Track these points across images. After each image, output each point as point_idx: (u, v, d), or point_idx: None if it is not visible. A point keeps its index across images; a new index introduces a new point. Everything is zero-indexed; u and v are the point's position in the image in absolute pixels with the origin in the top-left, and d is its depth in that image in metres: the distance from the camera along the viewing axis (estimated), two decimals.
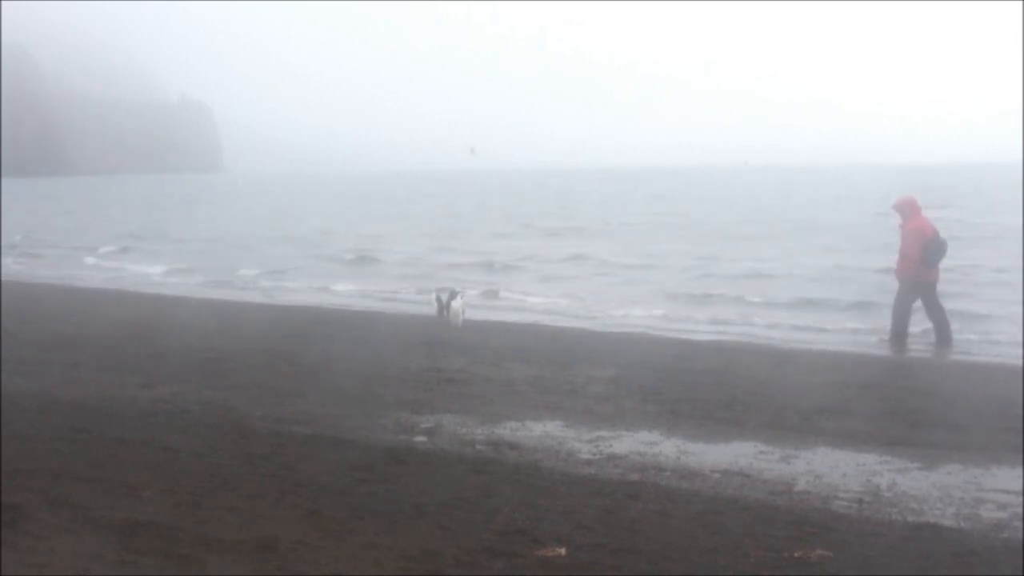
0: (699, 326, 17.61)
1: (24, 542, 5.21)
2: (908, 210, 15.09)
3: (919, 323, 15.35)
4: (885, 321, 15.76)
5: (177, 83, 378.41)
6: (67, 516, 5.74)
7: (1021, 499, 6.99)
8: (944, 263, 15.32)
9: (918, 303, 15.07)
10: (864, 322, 17.32)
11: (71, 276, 27.67)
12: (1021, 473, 7.66)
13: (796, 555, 5.61)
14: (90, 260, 33.68)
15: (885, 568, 5.53)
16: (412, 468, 7.35)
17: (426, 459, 7.70)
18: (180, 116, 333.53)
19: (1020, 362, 12.82)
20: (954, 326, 15.51)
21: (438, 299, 16.46)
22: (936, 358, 14.14)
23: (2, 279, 23.20)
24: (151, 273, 29.22)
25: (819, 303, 20.03)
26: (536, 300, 21.65)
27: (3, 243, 36.29)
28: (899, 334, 15.02)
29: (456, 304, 15.83)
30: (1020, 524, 6.47)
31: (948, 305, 17.64)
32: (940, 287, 15.33)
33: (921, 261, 14.73)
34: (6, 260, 31.44)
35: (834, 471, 7.72)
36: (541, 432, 8.90)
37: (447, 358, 12.73)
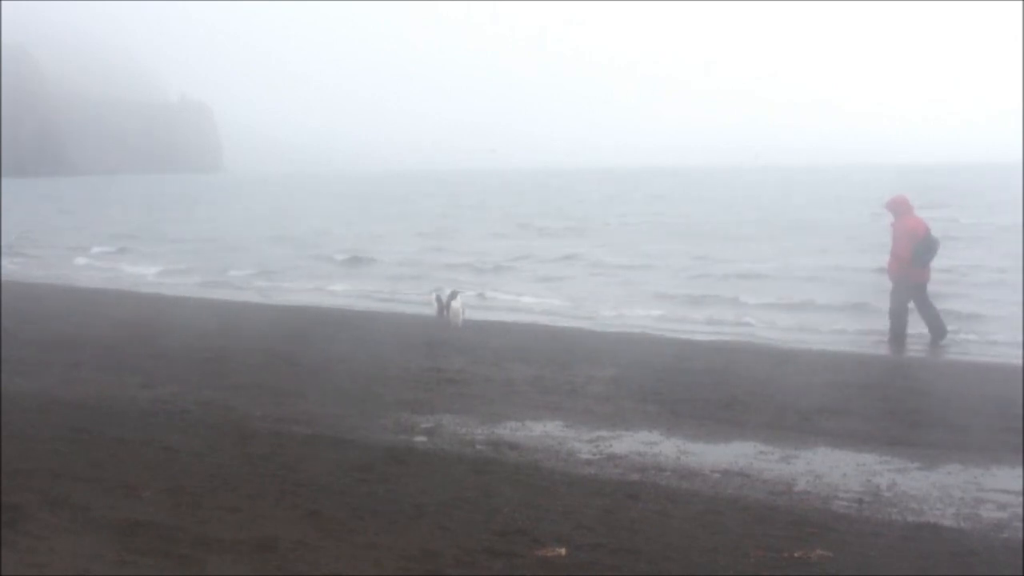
0: (693, 326, 17.59)
1: (24, 542, 5.21)
2: (900, 209, 15.09)
3: (917, 324, 15.36)
4: (882, 322, 15.75)
5: (177, 83, 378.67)
6: (67, 516, 5.74)
7: (1021, 499, 6.99)
8: (944, 263, 15.33)
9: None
10: (861, 323, 17.29)
11: (61, 276, 27.50)
12: (1021, 473, 7.66)
13: (796, 555, 5.61)
14: (81, 261, 33.57)
15: (885, 568, 5.53)
16: (412, 468, 7.35)
17: (426, 459, 7.70)
18: (180, 116, 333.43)
19: (1020, 362, 12.82)
20: (953, 327, 15.53)
21: (438, 299, 16.46)
22: (935, 358, 14.14)
23: (2, 279, 23.19)
24: (144, 274, 29.12)
25: (815, 304, 19.97)
26: (529, 300, 21.61)
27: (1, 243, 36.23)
28: (898, 334, 15.03)
29: (456, 304, 15.83)
30: (1020, 524, 6.47)
31: (946, 305, 17.67)
32: (938, 288, 15.35)
33: (911, 260, 14.73)
34: None
35: (834, 471, 7.72)
36: (541, 432, 8.90)
37: (447, 358, 12.73)
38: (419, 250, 34.90)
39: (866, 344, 15.46)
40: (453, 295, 16.09)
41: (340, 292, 23.74)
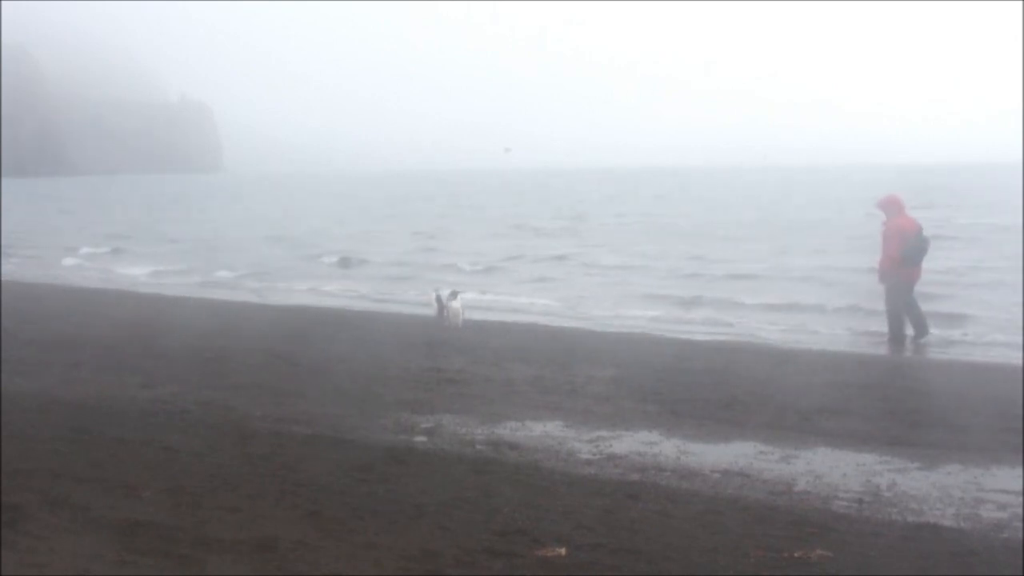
0: (688, 327, 17.56)
1: (24, 542, 5.21)
2: (892, 209, 15.08)
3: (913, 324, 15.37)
4: (880, 322, 15.75)
5: (177, 83, 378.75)
6: (67, 516, 5.74)
7: (1021, 499, 6.99)
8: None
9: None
10: (861, 323, 17.29)
11: (48, 277, 27.35)
12: (1021, 473, 7.66)
13: (796, 555, 5.61)
14: (70, 261, 33.47)
15: (885, 568, 5.53)
16: (412, 468, 7.35)
17: (426, 459, 7.70)
18: (180, 116, 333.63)
19: (1020, 362, 12.82)
20: (954, 328, 15.54)
21: (438, 299, 16.44)
22: (935, 358, 14.13)
23: (1, 279, 23.19)
24: (136, 274, 29.00)
25: (814, 304, 19.94)
26: (521, 301, 21.56)
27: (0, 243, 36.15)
28: (897, 335, 15.03)
29: (456, 304, 15.83)
30: (1020, 524, 6.47)
31: (944, 306, 17.69)
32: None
33: (901, 260, 14.72)
34: None
35: (834, 471, 7.72)
36: (541, 432, 8.90)
37: (447, 358, 12.73)
38: (413, 250, 34.86)
39: (866, 344, 15.47)
40: (453, 295, 16.08)
41: (332, 292, 23.68)
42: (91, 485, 6.45)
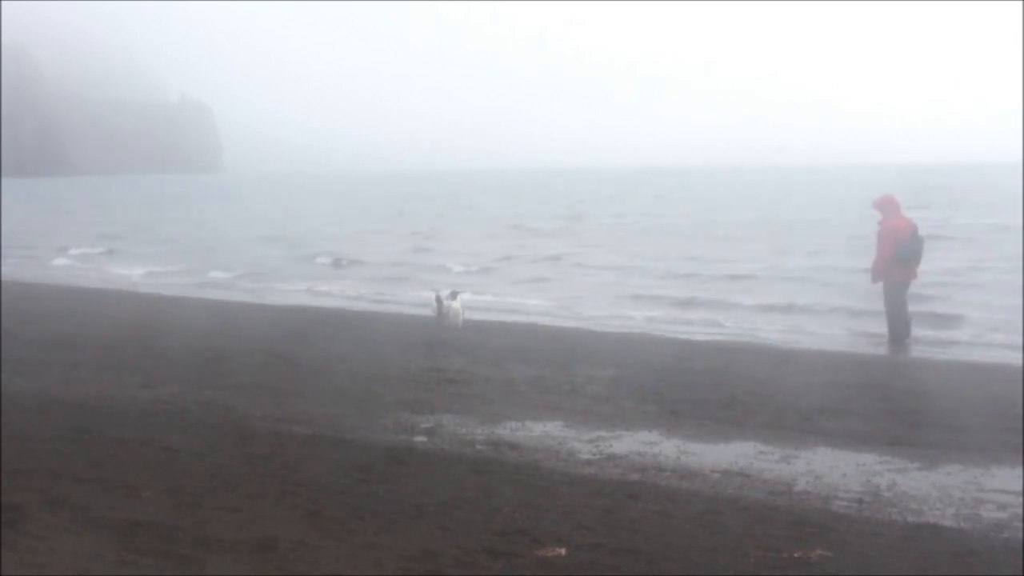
0: (684, 327, 17.55)
1: (24, 542, 5.21)
2: (887, 208, 15.08)
3: (917, 325, 15.37)
4: (878, 322, 15.75)
5: (177, 83, 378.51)
6: (67, 516, 5.74)
7: (1021, 499, 6.99)
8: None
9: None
10: (857, 324, 17.28)
11: (45, 277, 27.28)
12: (1021, 473, 7.66)
13: (796, 555, 5.62)
14: (61, 262, 33.40)
15: (885, 568, 5.53)
16: (412, 468, 7.35)
17: (426, 459, 7.70)
18: (180, 116, 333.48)
19: (1019, 362, 12.83)
20: (955, 330, 15.53)
21: (438, 299, 16.43)
22: (935, 358, 14.13)
23: (1, 279, 23.18)
24: (128, 275, 28.91)
25: (811, 305, 19.94)
26: (513, 301, 21.53)
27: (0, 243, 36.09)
28: (897, 335, 15.03)
29: (456, 304, 15.82)
30: (1020, 524, 6.47)
31: (943, 306, 17.67)
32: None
33: (894, 260, 14.72)
34: None
35: (834, 471, 7.72)
36: (541, 432, 8.90)
37: (447, 358, 12.73)
38: (407, 251, 34.79)
39: (865, 344, 15.47)
40: (453, 295, 16.07)
41: (326, 293, 23.65)
42: (91, 485, 6.45)
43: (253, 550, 5.30)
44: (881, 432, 8.97)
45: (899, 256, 14.68)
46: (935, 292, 19.79)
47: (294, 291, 24.17)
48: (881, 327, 15.49)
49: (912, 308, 15.33)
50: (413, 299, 20.83)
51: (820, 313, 18.95)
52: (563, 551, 5.51)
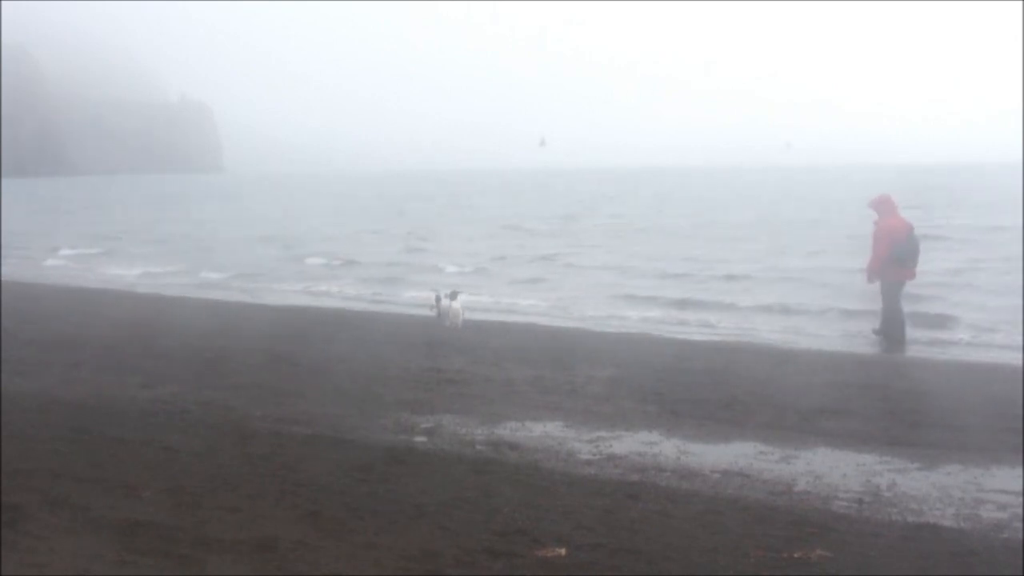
0: (680, 328, 17.54)
1: (24, 542, 5.21)
2: (884, 209, 15.08)
3: (918, 325, 15.37)
4: (877, 323, 15.75)
5: (177, 83, 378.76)
6: (67, 516, 5.75)
7: (1021, 499, 6.99)
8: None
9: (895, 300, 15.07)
10: (856, 325, 17.26)
11: (42, 277, 27.21)
12: (1021, 473, 7.66)
13: (796, 555, 5.61)
14: (52, 262, 33.36)
15: (885, 568, 5.53)
16: (412, 468, 7.35)
17: (426, 459, 7.70)
18: (180, 116, 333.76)
19: (1019, 362, 12.83)
20: (954, 330, 15.52)
21: (437, 299, 16.43)
22: (935, 357, 14.13)
23: (1, 279, 23.18)
24: (122, 275, 28.82)
25: (808, 305, 19.90)
26: (507, 302, 21.46)
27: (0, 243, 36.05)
28: (896, 335, 15.02)
29: (456, 304, 15.81)
30: (1020, 524, 6.47)
31: (942, 306, 17.65)
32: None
33: (889, 260, 14.72)
34: None
35: (834, 471, 7.72)
36: (541, 432, 8.90)
37: (447, 358, 12.73)
38: (402, 251, 34.73)
39: (865, 344, 15.46)
40: (453, 295, 16.07)
41: (319, 293, 23.60)
42: (91, 485, 6.45)
43: (253, 550, 5.30)
44: (881, 432, 8.97)
45: (895, 256, 14.69)
46: (935, 292, 19.78)
47: (288, 291, 24.10)
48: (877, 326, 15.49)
49: (912, 308, 15.36)
50: (413, 299, 20.82)
51: (819, 313, 18.93)
52: (563, 551, 5.51)
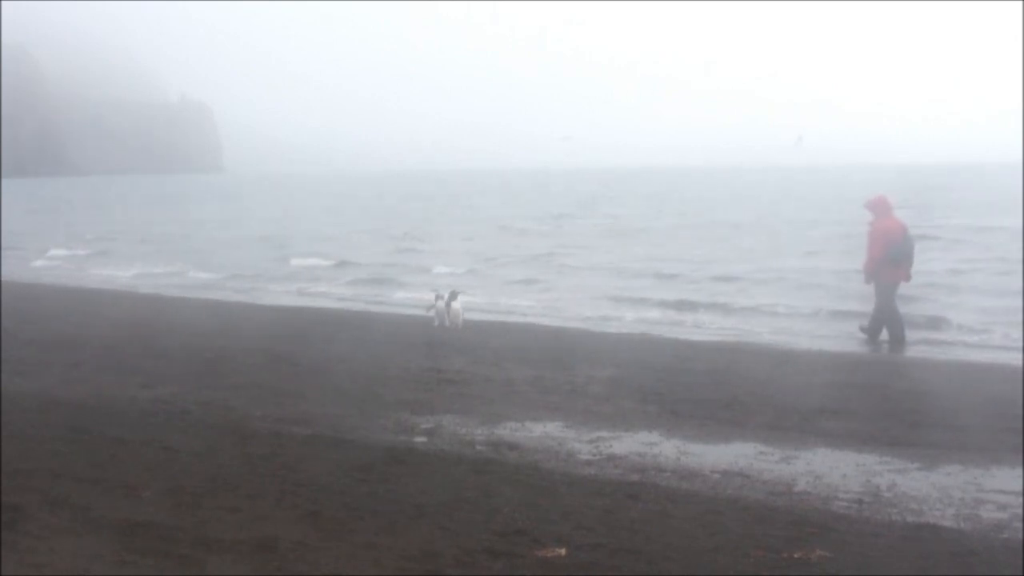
0: (674, 327, 17.52)
1: (24, 542, 5.21)
2: (879, 209, 15.08)
3: (918, 326, 15.36)
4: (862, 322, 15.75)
5: (177, 83, 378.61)
6: (67, 516, 5.75)
7: (1021, 499, 6.99)
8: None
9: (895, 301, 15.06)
10: (854, 325, 17.24)
11: (40, 277, 27.17)
12: (1021, 473, 7.66)
13: (796, 555, 5.62)
14: (39, 263, 33.22)
15: (885, 568, 5.53)
16: (412, 468, 7.35)
17: (426, 459, 7.70)
18: (180, 116, 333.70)
19: (1019, 362, 12.83)
20: (954, 330, 15.51)
21: (437, 299, 16.42)
22: (935, 357, 14.13)
23: (1, 279, 23.17)
24: (115, 276, 28.74)
25: (807, 305, 19.87)
26: (504, 302, 21.42)
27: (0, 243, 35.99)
28: (896, 335, 15.03)
29: (456, 305, 15.82)
30: (1020, 524, 6.47)
31: (942, 306, 17.63)
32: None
33: (884, 261, 14.72)
34: None
35: (834, 471, 7.72)
36: (541, 432, 8.90)
37: (447, 358, 12.73)
38: (396, 252, 34.66)
39: (864, 345, 15.46)
40: (453, 295, 16.06)
41: (323, 294, 23.56)
42: (91, 485, 6.46)
43: (253, 550, 5.30)
44: (881, 432, 8.97)
45: (890, 257, 14.70)
46: (935, 292, 19.79)
47: (280, 292, 24.04)
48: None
49: (911, 309, 15.35)
50: (412, 300, 20.81)
51: (818, 313, 18.92)
52: (563, 551, 5.51)
